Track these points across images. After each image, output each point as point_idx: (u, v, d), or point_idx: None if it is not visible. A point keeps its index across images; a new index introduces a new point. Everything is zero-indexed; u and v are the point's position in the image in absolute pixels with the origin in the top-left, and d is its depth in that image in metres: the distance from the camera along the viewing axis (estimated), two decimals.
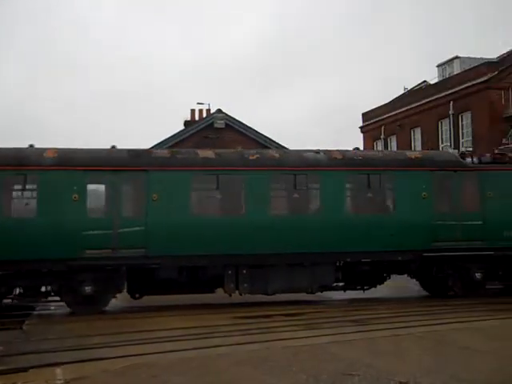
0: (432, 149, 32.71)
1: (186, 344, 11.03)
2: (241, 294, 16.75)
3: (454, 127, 34.76)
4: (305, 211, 17.54)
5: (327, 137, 65.81)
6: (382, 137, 42.06)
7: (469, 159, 18.94)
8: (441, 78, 39.33)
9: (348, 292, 18.22)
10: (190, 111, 31.50)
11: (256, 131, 28.87)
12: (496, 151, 20.92)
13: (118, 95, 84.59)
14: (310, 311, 15.50)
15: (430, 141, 36.37)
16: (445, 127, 35.84)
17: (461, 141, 34.15)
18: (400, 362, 9.59)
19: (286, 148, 25.99)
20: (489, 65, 33.18)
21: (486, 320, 13.77)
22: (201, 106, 31.16)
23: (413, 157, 18.44)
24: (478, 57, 37.41)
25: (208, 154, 17.20)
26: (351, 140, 52.41)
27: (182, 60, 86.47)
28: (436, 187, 17.85)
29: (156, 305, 16.65)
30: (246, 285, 16.54)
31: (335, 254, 16.90)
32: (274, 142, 28.57)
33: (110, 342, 11.31)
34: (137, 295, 16.73)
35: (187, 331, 12.30)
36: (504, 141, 31.07)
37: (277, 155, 17.73)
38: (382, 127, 42.05)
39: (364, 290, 18.02)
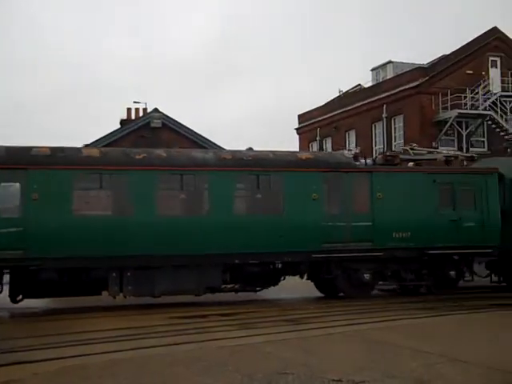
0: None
1: (120, 345, 10.90)
2: (125, 297, 16.49)
3: (386, 130, 35.61)
4: (192, 212, 17.31)
5: (268, 137, 66.28)
6: (318, 138, 42.67)
7: (362, 160, 19.08)
8: (375, 82, 40.20)
9: (283, 292, 18.40)
10: (126, 110, 31.15)
11: (192, 131, 28.83)
12: (388, 153, 21.33)
13: (52, 95, 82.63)
14: (245, 311, 15.57)
15: (364, 143, 37.12)
16: (378, 130, 36.66)
17: (393, 143, 35.00)
18: (333, 360, 9.75)
19: (221, 148, 26.07)
20: (420, 70, 34.17)
21: (410, 318, 14.17)
22: (137, 105, 30.88)
23: (303, 158, 18.37)
24: (410, 62, 38.48)
25: (92, 152, 16.88)
26: (289, 141, 53.05)
27: (121, 59, 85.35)
28: (326, 188, 17.94)
29: (90, 305, 16.41)
30: (130, 287, 16.14)
31: (222, 255, 16.68)
32: (211, 141, 28.60)
33: (41, 344, 11.04)
34: (18, 298, 16.19)
35: (122, 332, 12.16)
36: (434, 144, 32.02)
37: (164, 154, 17.24)
38: (318, 129, 42.65)
39: (256, 291, 17.87)
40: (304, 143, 44.21)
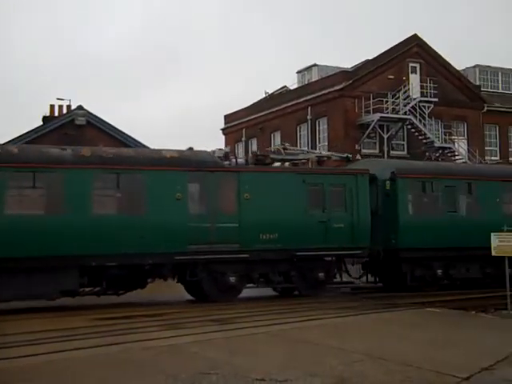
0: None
1: (43, 348, 10.70)
2: None
3: (311, 132, 36.19)
4: (46, 211, 16.17)
5: (195, 137, 66.05)
6: (243, 139, 42.92)
7: (233, 160, 18.77)
8: (300, 84, 40.77)
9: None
10: (49, 107, 30.39)
11: (117, 129, 28.45)
12: (258, 152, 20.87)
13: None
14: (172, 311, 15.57)
15: (290, 144, 37.56)
16: (303, 132, 37.21)
17: (318, 145, 35.61)
18: (257, 359, 9.94)
19: (145, 146, 25.93)
20: (344, 74, 34.90)
21: (331, 318, 14.55)
22: (61, 102, 30.17)
23: (168, 156, 17.58)
24: (335, 66, 39.30)
25: None
26: (215, 141, 53.23)
27: (46, 58, 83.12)
28: (191, 188, 17.49)
29: (14, 308, 15.99)
30: None
31: (77, 257, 15.83)
32: (136, 140, 28.29)
33: None
34: None
35: (46, 334, 11.90)
36: (357, 147, 32.82)
37: (15, 150, 16.34)
38: (244, 130, 42.91)
39: (118, 294, 17.19)
40: (230, 144, 44.37)
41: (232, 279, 17.64)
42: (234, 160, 18.85)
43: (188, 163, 17.47)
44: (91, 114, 28.16)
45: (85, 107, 28.20)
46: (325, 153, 21.69)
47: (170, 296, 18.41)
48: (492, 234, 17.25)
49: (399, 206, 20.09)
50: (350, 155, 22.96)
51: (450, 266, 20.95)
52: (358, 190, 19.11)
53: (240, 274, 17.82)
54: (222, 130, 46.09)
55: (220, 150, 19.20)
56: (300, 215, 18.30)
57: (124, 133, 28.44)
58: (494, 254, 17.04)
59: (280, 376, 8.75)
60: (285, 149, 20.44)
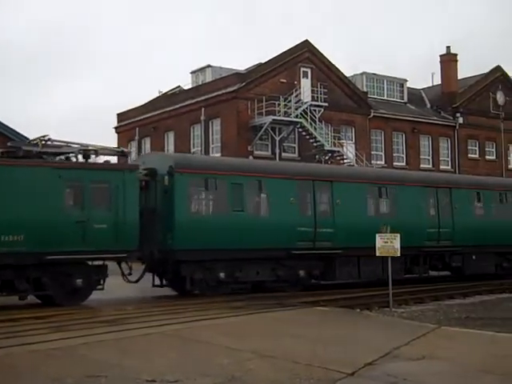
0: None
1: None
2: None
3: (205, 132, 36.25)
4: None
5: (92, 135, 64.68)
6: (137, 138, 42.36)
7: None
8: (194, 85, 40.73)
9: (102, 293, 18.07)
10: None
11: (3, 124, 27.27)
12: (9, 143, 18.52)
13: None
14: (60, 313, 15.09)
15: (183, 145, 37.53)
16: (197, 132, 37.21)
17: (211, 146, 35.74)
18: (148, 360, 9.87)
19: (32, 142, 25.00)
20: (237, 76, 35.22)
21: (225, 317, 14.69)
22: None
23: None
24: (229, 67, 39.58)
25: None
26: (109, 140, 52.25)
27: None
28: None
29: None
30: None
31: None
32: (23, 135, 27.21)
33: None
34: None
35: None
36: (249, 148, 33.21)
37: None
38: (137, 129, 42.34)
39: None
40: (123, 142, 43.62)
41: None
42: None
43: None
44: None
45: None
46: (92, 146, 18.21)
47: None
48: (377, 235, 17.96)
49: (176, 204, 18.43)
50: (125, 149, 20.55)
51: (237, 269, 19.47)
52: (126, 187, 17.34)
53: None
54: (115, 128, 45.24)
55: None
56: (53, 214, 16.30)
57: (8, 127, 27.28)
58: (378, 254, 17.76)
59: (171, 376, 8.75)
60: (47, 140, 17.62)
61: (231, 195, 19.45)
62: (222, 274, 19.15)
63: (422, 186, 24.19)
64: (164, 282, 19.62)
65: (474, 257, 25.09)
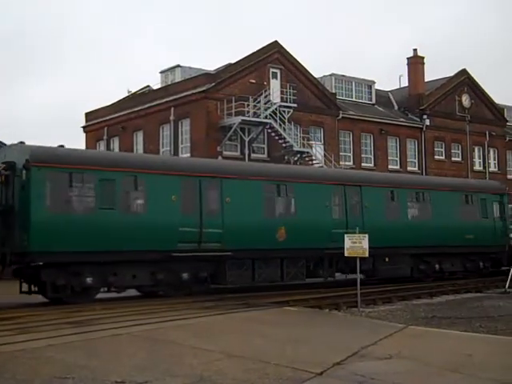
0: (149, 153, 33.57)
1: None
2: None
3: (174, 133, 36.09)
4: None
5: (59, 135, 64.05)
6: (105, 138, 41.98)
7: None
8: (164, 85, 40.54)
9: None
10: None
11: None
12: None
13: None
14: (25, 314, 14.93)
15: (152, 145, 37.33)
16: (166, 132, 37.02)
17: (180, 146, 35.61)
18: (116, 361, 9.81)
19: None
20: (207, 76, 35.15)
21: (195, 318, 14.68)
22: None
23: None
24: (198, 67, 39.48)
25: None
26: (77, 139, 51.80)
27: None
28: None
29: None
30: None
31: None
32: None
33: None
34: None
35: None
36: (219, 149, 33.16)
37: None
38: (105, 128, 41.98)
39: None
40: (91, 142, 43.23)
41: None
42: None
43: None
44: None
45: None
46: None
47: (25, 298, 17.62)
48: (345, 235, 18.11)
49: (32, 201, 16.73)
50: None
51: (109, 273, 17.98)
52: None
53: None
54: (83, 127, 44.79)
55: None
56: None
57: None
58: (346, 254, 17.90)
59: (140, 377, 8.71)
60: None
61: (100, 192, 17.75)
62: (89, 279, 17.47)
63: (328, 184, 22.75)
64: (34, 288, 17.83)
65: (386, 259, 23.88)
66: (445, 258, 26.49)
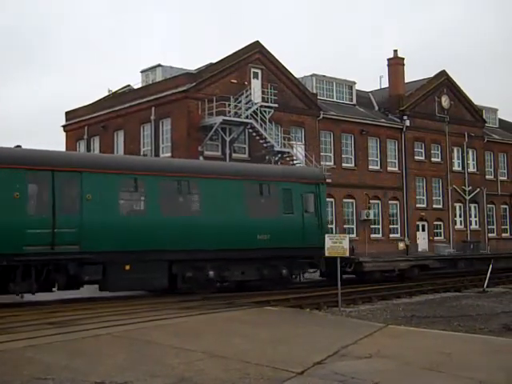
0: (132, 153, 33.41)
1: None
2: None
3: (155, 132, 35.99)
4: None
5: (40, 134, 63.60)
6: (86, 137, 41.75)
7: None
8: (144, 84, 40.41)
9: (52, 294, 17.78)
10: None
11: None
12: None
13: None
14: (4, 315, 14.83)
15: (133, 144, 37.18)
16: (147, 132, 36.89)
17: (161, 146, 35.51)
18: (97, 361, 9.79)
19: None
20: (188, 76, 35.08)
21: (176, 318, 14.69)
22: None
23: None
24: (179, 67, 39.40)
25: None
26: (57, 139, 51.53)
27: None
28: None
29: None
30: None
31: None
32: None
33: None
34: None
35: None
36: (200, 148, 33.11)
37: None
38: (86, 127, 41.75)
39: None
40: (71, 141, 42.95)
41: None
42: None
43: None
44: None
45: None
46: None
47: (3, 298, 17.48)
48: (326, 235, 18.23)
49: None
50: None
51: None
52: None
53: None
54: (63, 127, 44.50)
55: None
56: None
57: None
58: (327, 254, 18.01)
59: (121, 378, 8.71)
60: None
61: None
62: None
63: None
64: None
65: (127, 267, 18.79)
66: (227, 264, 20.93)
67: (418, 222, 43.72)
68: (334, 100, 43.15)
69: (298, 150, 36.94)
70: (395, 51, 46.16)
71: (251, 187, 21.84)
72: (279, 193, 22.29)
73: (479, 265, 30.63)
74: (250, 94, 35.10)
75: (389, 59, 46.25)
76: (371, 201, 41.19)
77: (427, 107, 45.53)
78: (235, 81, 35.49)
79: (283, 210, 22.23)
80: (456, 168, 47.20)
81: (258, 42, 37.10)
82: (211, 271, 20.49)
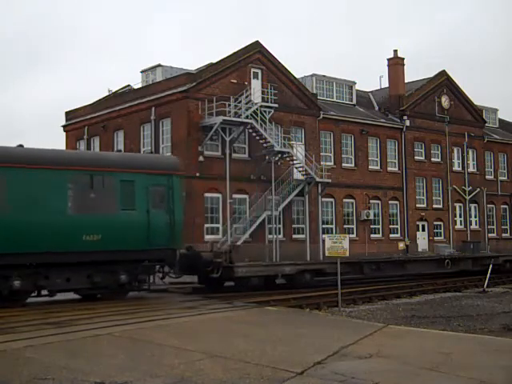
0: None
1: None
2: None
3: (155, 132, 35.97)
4: None
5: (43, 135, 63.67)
6: (86, 137, 41.74)
7: None
8: (144, 84, 40.40)
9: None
10: None
11: None
12: None
13: None
14: (4, 315, 14.84)
15: (133, 144, 37.17)
16: (147, 132, 36.87)
17: (161, 146, 35.49)
18: (98, 361, 9.78)
19: None
20: (188, 76, 35.06)
21: (176, 318, 14.67)
22: None
23: None
24: (179, 67, 39.38)
25: None
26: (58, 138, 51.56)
27: None
28: None
29: None
30: None
31: None
32: None
33: None
34: None
35: None
36: (199, 148, 33.10)
37: None
38: (86, 127, 41.74)
39: None
40: (71, 141, 42.94)
41: None
42: None
43: None
44: None
45: None
46: None
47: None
48: (326, 235, 18.23)
49: None
50: None
51: None
52: None
53: None
54: (63, 126, 44.50)
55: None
56: None
57: None
58: (327, 254, 18.02)
59: (120, 378, 8.70)
60: None
61: None
62: None
63: None
64: None
65: None
66: (46, 271, 17.79)
67: (418, 222, 43.70)
68: (334, 100, 43.12)
69: (298, 150, 36.92)
70: (395, 51, 46.15)
71: (78, 179, 18.53)
72: (116, 185, 19.12)
73: (389, 270, 28.00)
74: (250, 94, 35.07)
75: (389, 59, 46.23)
76: (371, 201, 41.15)
77: (427, 107, 45.51)
78: (235, 81, 35.46)
79: (121, 206, 19.10)
80: (456, 168, 47.17)
81: (257, 42, 37.08)
82: (17, 280, 17.08)
